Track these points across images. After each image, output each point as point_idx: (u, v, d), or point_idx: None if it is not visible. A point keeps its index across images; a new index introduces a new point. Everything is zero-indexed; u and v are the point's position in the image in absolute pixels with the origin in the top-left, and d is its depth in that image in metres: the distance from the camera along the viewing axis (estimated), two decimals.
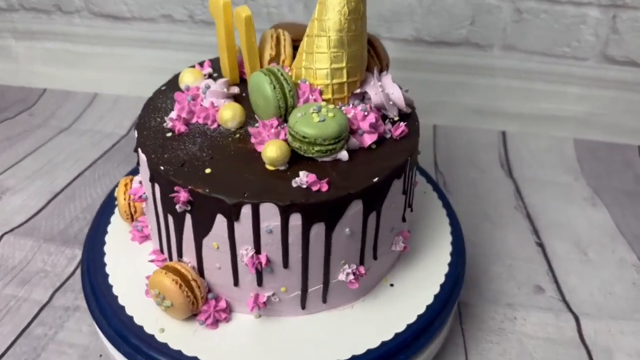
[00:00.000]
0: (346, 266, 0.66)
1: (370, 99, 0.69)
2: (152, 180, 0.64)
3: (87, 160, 1.17)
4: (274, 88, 0.63)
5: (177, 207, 0.61)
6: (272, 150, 0.60)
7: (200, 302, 0.67)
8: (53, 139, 1.24)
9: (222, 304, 0.68)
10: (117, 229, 0.81)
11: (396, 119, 0.70)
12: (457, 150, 1.21)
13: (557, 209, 1.07)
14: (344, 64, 0.66)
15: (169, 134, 0.67)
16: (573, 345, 0.83)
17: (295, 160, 0.63)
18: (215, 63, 0.78)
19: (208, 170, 0.61)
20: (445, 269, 0.76)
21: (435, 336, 0.72)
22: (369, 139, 0.65)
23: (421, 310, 0.71)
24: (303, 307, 0.68)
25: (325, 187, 0.59)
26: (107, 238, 0.80)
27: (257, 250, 0.62)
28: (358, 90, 0.68)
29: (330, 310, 0.70)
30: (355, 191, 0.60)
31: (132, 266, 0.75)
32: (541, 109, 1.23)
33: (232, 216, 0.60)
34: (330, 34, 0.64)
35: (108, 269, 0.75)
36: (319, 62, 0.66)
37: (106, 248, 0.79)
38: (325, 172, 0.61)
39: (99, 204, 1.03)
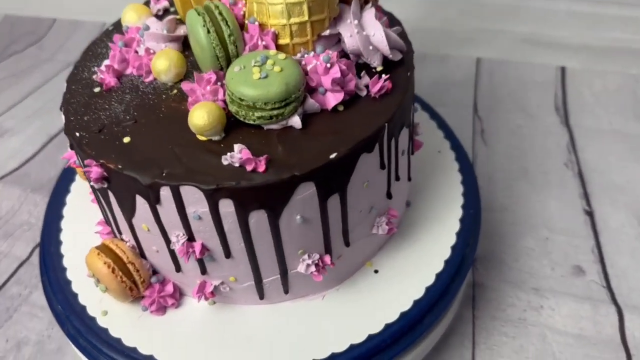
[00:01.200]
0: (306, 256, 0.54)
1: (345, 42, 0.53)
2: (72, 148, 0.54)
3: None
4: (208, 32, 0.49)
5: (91, 183, 0.50)
6: (199, 117, 0.47)
7: (141, 287, 0.58)
8: (58, 75, 1.16)
9: (169, 289, 0.58)
10: (80, 188, 0.73)
11: (379, 69, 0.54)
12: (503, 89, 1.01)
13: (617, 167, 0.87)
14: None
15: (97, 89, 0.55)
16: (610, 347, 0.67)
17: (236, 127, 0.49)
18: None
19: (127, 140, 0.50)
20: (447, 253, 0.62)
21: (424, 336, 0.59)
22: (333, 99, 0.50)
23: (407, 306, 0.58)
24: (261, 297, 0.58)
25: (262, 167, 0.46)
26: (68, 198, 0.73)
27: (190, 237, 0.51)
28: (327, 32, 0.52)
29: (296, 300, 0.59)
30: (302, 172, 0.46)
31: (86, 235, 0.67)
32: (611, 39, 0.98)
33: (151, 198, 0.48)
34: None
35: (62, 236, 0.68)
36: None
37: (65, 210, 0.71)
38: (269, 145, 0.48)
39: None
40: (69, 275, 0.64)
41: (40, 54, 1.22)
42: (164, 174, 0.47)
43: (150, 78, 0.55)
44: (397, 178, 0.58)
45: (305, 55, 0.51)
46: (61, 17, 1.29)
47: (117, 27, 0.64)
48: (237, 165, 0.46)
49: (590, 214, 0.82)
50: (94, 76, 0.56)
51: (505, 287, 0.73)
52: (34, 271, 0.81)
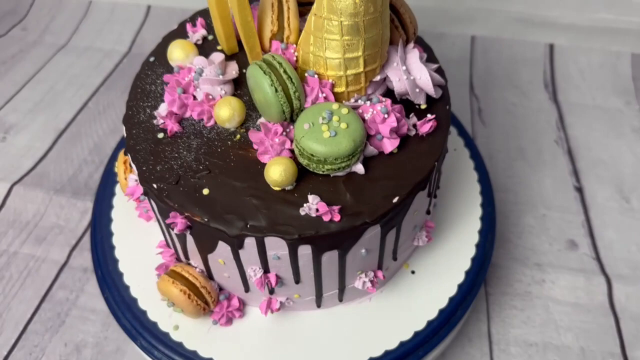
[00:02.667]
0: (363, 275, 0.61)
1: (393, 85, 0.58)
2: (147, 195, 0.58)
3: (89, 88, 1.09)
4: (276, 91, 0.53)
5: (174, 230, 0.55)
6: (275, 172, 0.52)
7: (212, 306, 0.64)
8: (50, 60, 1.14)
9: (235, 303, 0.65)
10: (122, 202, 0.77)
11: (423, 106, 0.59)
12: (497, 66, 1.07)
13: (601, 143, 0.97)
14: (360, 53, 0.54)
15: (161, 135, 0.59)
16: (601, 312, 0.79)
17: (305, 174, 0.55)
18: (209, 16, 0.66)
19: (206, 191, 0.54)
20: (472, 252, 0.71)
21: (457, 326, 0.69)
22: (389, 146, 0.55)
23: (443, 303, 0.67)
24: (318, 306, 0.66)
25: (337, 217, 0.52)
26: (113, 214, 0.76)
27: (266, 270, 0.58)
28: (378, 78, 0.57)
29: (347, 304, 0.67)
30: (372, 219, 0.53)
31: (141, 251, 0.72)
32: (598, 19, 1.05)
33: (235, 245, 0.54)
34: (343, 19, 0.51)
35: (117, 253, 0.73)
36: (330, 50, 0.54)
37: (113, 227, 0.75)
38: (338, 192, 0.54)
39: (105, 147, 0.99)
40: (133, 293, 0.69)
41: (26, 36, 1.18)
42: (248, 226, 0.52)
43: (212, 122, 0.59)
44: (435, 196, 0.66)
45: (360, 102, 0.56)
46: None
47: (158, 57, 0.66)
48: (313, 215, 0.52)
49: (579, 190, 0.92)
50: (154, 121, 0.59)
51: (513, 264, 0.84)
52: (76, 275, 0.85)
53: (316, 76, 0.55)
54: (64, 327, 0.81)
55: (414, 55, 0.57)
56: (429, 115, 0.57)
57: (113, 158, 0.83)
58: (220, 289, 0.66)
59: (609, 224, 0.88)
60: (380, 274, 0.62)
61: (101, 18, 1.20)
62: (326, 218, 0.52)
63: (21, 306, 0.82)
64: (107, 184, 0.80)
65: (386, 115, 0.54)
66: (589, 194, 0.91)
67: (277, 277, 0.58)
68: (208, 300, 0.63)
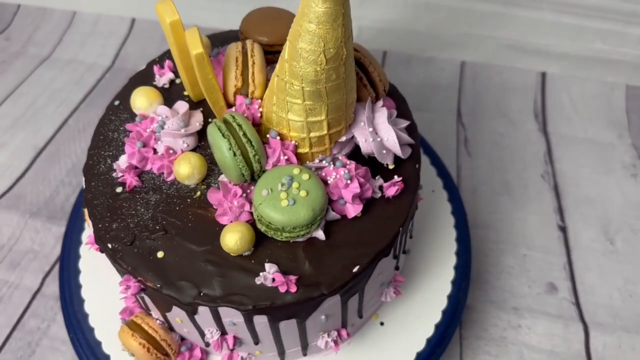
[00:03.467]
0: (325, 335, 0.60)
1: (360, 145, 0.55)
2: (102, 251, 0.56)
3: (70, 104, 1.07)
4: (234, 155, 0.51)
5: (128, 292, 0.54)
6: (231, 240, 0.51)
7: (172, 358, 0.63)
8: (33, 73, 1.12)
9: (197, 354, 0.64)
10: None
11: (391, 167, 0.57)
12: (486, 93, 1.04)
13: (589, 179, 0.94)
14: (323, 117, 0.52)
15: (119, 189, 0.57)
16: None
17: (263, 239, 0.53)
18: None
19: (160, 254, 0.53)
20: (443, 303, 0.69)
21: None
22: (352, 211, 0.54)
23: (411, 358, 0.66)
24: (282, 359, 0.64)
25: (293, 288, 0.50)
26: (81, 250, 0.75)
27: (223, 332, 0.56)
28: (344, 139, 0.55)
29: (313, 356, 0.66)
30: (330, 290, 0.51)
31: (108, 289, 0.70)
32: (592, 49, 1.01)
33: (189, 312, 0.53)
34: (304, 84, 0.49)
35: (84, 293, 0.72)
36: (292, 113, 0.52)
37: (81, 264, 0.74)
38: (296, 260, 0.52)
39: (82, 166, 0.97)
40: (98, 336, 0.68)
41: (9, 47, 1.16)
42: (201, 294, 0.51)
43: (172, 177, 0.57)
44: (405, 251, 0.64)
45: (324, 163, 0.54)
46: (25, 4, 1.21)
47: (123, 101, 0.64)
48: (269, 285, 0.51)
49: (563, 229, 0.90)
50: (114, 174, 0.58)
51: (489, 308, 0.82)
52: (48, 303, 0.84)
53: (278, 137, 0.53)
54: (34, 357, 0.80)
55: (381, 114, 0.55)
56: (395, 177, 0.55)
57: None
58: (182, 338, 0.64)
59: (591, 267, 0.86)
60: (344, 332, 0.61)
61: (85, 30, 1.17)
62: (282, 289, 0.50)
63: None
64: (78, 216, 0.79)
65: (349, 181, 0.52)
66: (572, 234, 0.89)
67: (235, 338, 0.57)
68: (169, 352, 0.62)
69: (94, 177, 0.58)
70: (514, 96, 1.04)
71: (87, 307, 0.71)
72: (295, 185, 0.50)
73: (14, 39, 1.17)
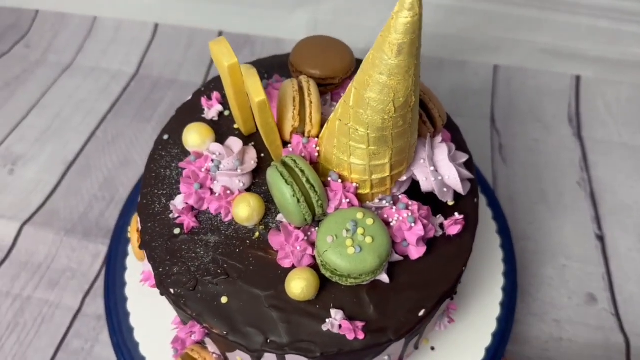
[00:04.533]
0: None
1: (420, 184, 0.55)
2: (162, 294, 0.56)
3: (96, 114, 1.06)
4: (298, 202, 0.50)
5: (193, 337, 0.54)
6: (297, 288, 0.50)
7: None
8: (56, 82, 1.10)
9: None
10: (135, 267, 0.75)
11: (450, 203, 0.57)
12: (520, 98, 1.03)
13: (626, 186, 0.94)
14: (386, 160, 0.51)
15: (177, 231, 0.56)
16: None
17: (327, 283, 0.53)
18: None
19: (224, 300, 0.53)
20: (493, 327, 0.70)
21: None
22: (415, 253, 0.53)
23: None
24: None
25: (361, 335, 0.50)
26: (126, 276, 0.75)
27: None
28: (404, 178, 0.54)
29: None
30: (397, 335, 0.51)
31: (156, 316, 0.70)
32: (628, 53, 0.99)
33: (254, 357, 0.53)
34: (370, 131, 0.48)
35: (132, 321, 0.72)
36: (354, 157, 0.51)
37: (127, 290, 0.74)
38: (361, 304, 0.52)
39: (115, 181, 0.97)
40: None
41: (29, 55, 1.14)
42: (268, 341, 0.51)
43: (229, 218, 0.56)
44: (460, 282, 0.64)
45: (385, 203, 0.54)
46: (44, 9, 1.18)
47: (172, 134, 0.63)
48: (336, 332, 0.51)
49: (601, 238, 0.90)
50: (170, 214, 0.57)
51: (531, 320, 0.83)
52: (90, 323, 0.85)
53: (339, 180, 0.53)
54: None
55: (442, 151, 0.54)
56: (456, 215, 0.55)
57: (126, 210, 0.81)
58: None
59: (630, 277, 0.86)
60: None
61: (106, 36, 1.15)
62: (350, 336, 0.50)
63: (37, 355, 0.82)
64: (120, 240, 0.79)
65: (413, 224, 0.52)
66: (610, 243, 0.89)
67: None
68: None
69: (150, 218, 0.58)
70: (548, 101, 1.02)
71: (137, 336, 0.71)
72: (360, 231, 0.50)
73: (34, 46, 1.15)
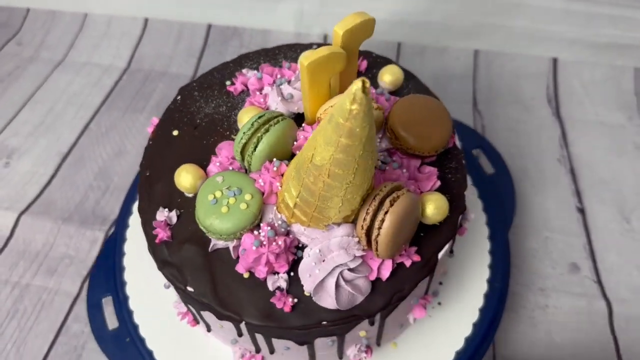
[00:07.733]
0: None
1: None
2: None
3: (89, 108, 1.08)
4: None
5: None
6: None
7: None
8: (48, 78, 1.12)
9: None
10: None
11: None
12: (500, 81, 1.07)
13: (604, 161, 0.98)
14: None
15: None
16: (602, 337, 0.82)
17: None
18: None
19: None
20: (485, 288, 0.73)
21: None
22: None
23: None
24: None
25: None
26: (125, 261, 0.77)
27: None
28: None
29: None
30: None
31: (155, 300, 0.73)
32: (602, 35, 1.04)
33: None
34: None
35: (136, 318, 0.75)
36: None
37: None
38: None
39: (110, 171, 0.99)
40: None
41: (21, 52, 1.16)
42: None
43: None
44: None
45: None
46: (34, 7, 1.21)
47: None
48: None
49: (582, 211, 0.94)
50: None
51: (519, 290, 0.86)
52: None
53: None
54: None
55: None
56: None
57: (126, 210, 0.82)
58: None
59: (610, 246, 0.90)
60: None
61: (97, 32, 1.17)
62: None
63: (37, 340, 0.84)
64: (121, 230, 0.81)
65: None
66: (590, 216, 0.93)
67: None
68: None
69: None
70: (527, 83, 1.07)
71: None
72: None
73: (26, 43, 1.17)
